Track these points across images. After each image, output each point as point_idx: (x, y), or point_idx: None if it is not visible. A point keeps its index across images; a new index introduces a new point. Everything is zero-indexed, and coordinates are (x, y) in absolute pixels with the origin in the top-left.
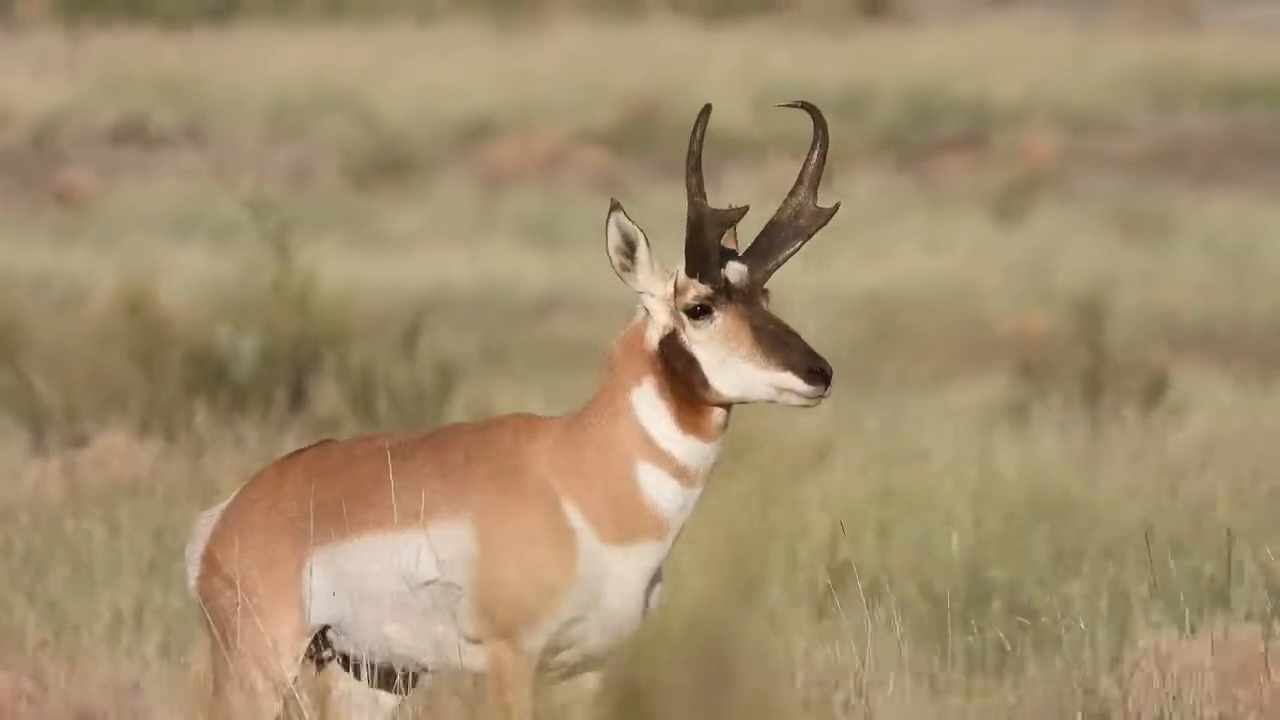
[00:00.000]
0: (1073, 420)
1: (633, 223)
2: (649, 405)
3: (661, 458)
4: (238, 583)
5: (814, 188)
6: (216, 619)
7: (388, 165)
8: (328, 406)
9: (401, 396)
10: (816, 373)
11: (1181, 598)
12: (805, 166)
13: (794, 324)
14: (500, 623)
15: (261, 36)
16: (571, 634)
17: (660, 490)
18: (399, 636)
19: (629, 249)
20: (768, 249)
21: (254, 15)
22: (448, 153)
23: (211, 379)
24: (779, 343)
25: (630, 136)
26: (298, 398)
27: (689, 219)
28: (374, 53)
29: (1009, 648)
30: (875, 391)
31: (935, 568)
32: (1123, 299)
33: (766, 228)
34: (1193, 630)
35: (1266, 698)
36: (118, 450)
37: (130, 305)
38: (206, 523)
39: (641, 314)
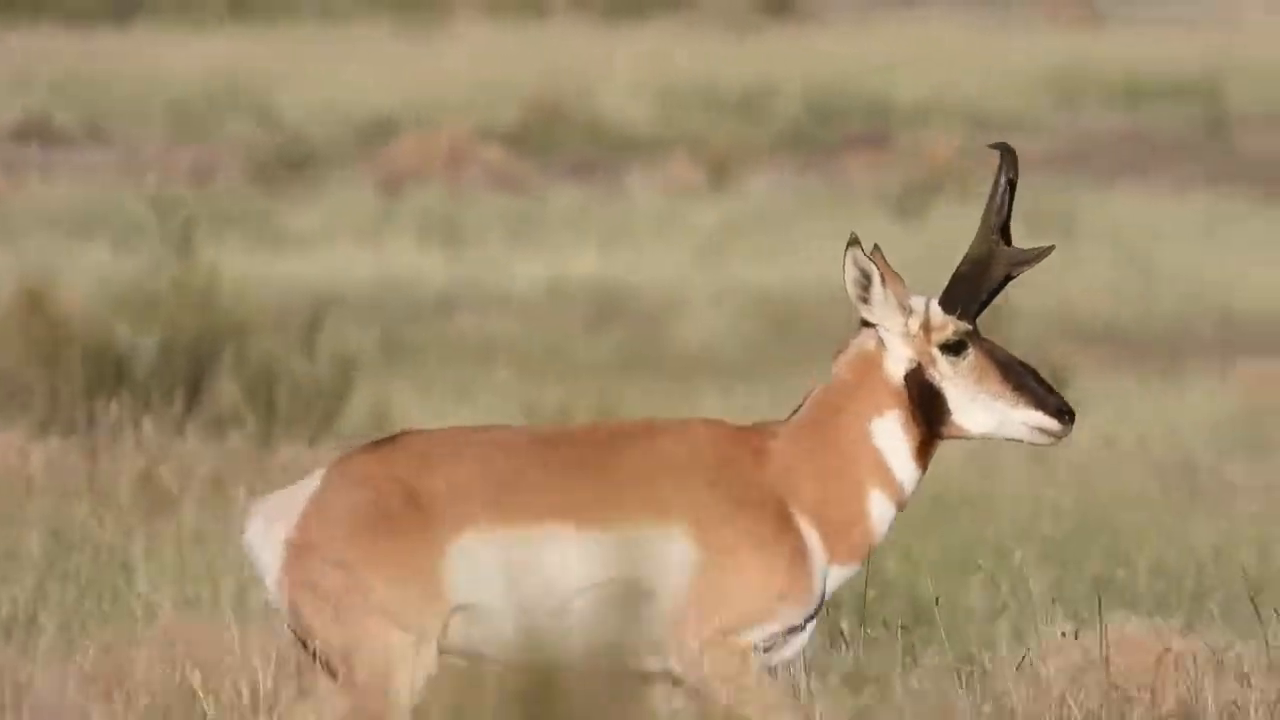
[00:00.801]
0: None
1: (869, 257)
2: (891, 436)
3: (892, 486)
4: (356, 568)
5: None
6: (321, 605)
7: (290, 164)
8: (228, 404)
9: (301, 393)
10: (1066, 411)
11: (1077, 595)
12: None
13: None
14: (715, 627)
15: (164, 35)
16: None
17: (883, 517)
18: (556, 631)
19: (866, 281)
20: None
21: (157, 14)
22: (349, 151)
23: (111, 377)
24: (1027, 381)
25: (532, 135)
26: (197, 395)
27: (976, 254)
28: (277, 52)
29: (904, 644)
30: (777, 390)
31: None
32: (1026, 297)
33: (958, 270)
34: (1082, 628)
35: (1158, 694)
36: (15, 447)
37: (30, 303)
38: (280, 508)
39: (872, 343)
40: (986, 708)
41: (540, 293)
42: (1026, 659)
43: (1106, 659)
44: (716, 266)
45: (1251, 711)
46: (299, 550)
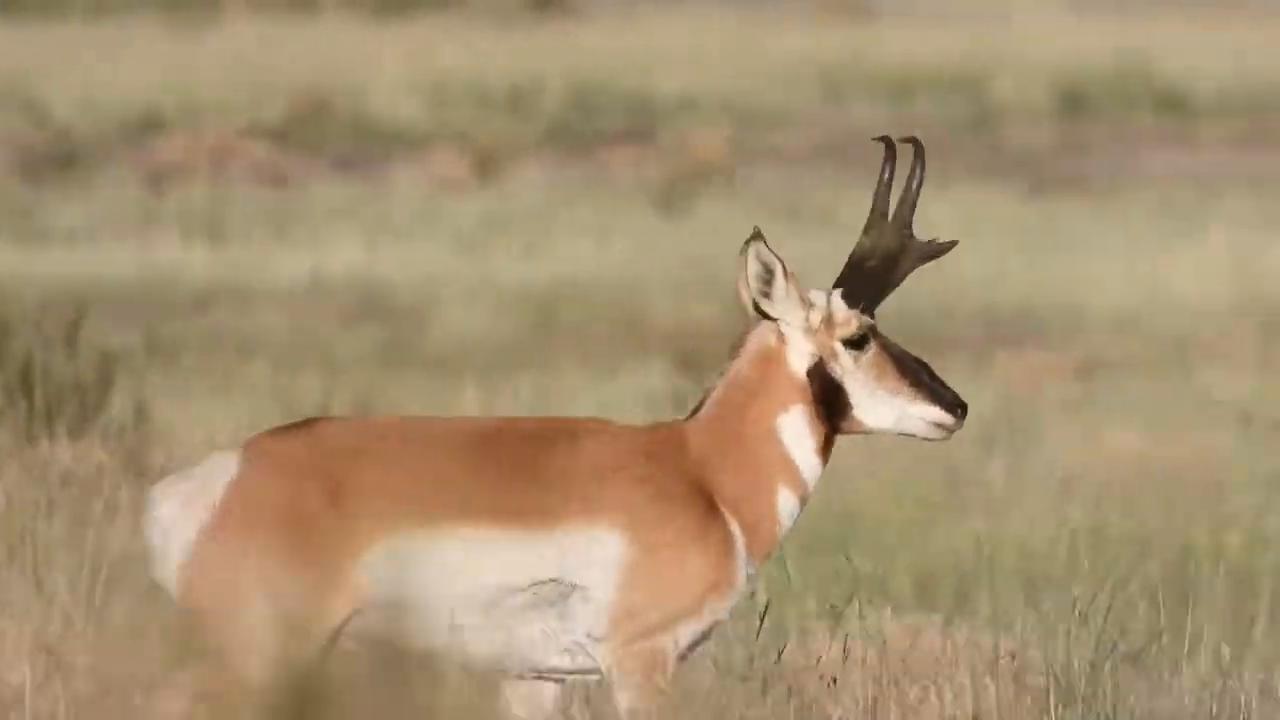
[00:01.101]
0: None
1: (772, 252)
2: (796, 432)
3: (798, 482)
4: (261, 561)
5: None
6: (224, 593)
7: (55, 158)
8: None
9: (62, 389)
10: (960, 405)
11: (837, 591)
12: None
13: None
14: (645, 625)
15: None
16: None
17: (790, 513)
18: (476, 631)
19: (769, 276)
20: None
21: None
22: (115, 147)
23: None
24: (923, 376)
25: (298, 131)
26: None
27: (886, 249)
28: (44, 46)
29: None
30: (538, 385)
31: None
32: None
33: (857, 262)
34: (840, 622)
35: (917, 688)
36: None
37: None
38: (197, 493)
39: (773, 338)
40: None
41: (302, 288)
42: (784, 651)
43: (864, 655)
44: (478, 261)
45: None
46: (216, 537)
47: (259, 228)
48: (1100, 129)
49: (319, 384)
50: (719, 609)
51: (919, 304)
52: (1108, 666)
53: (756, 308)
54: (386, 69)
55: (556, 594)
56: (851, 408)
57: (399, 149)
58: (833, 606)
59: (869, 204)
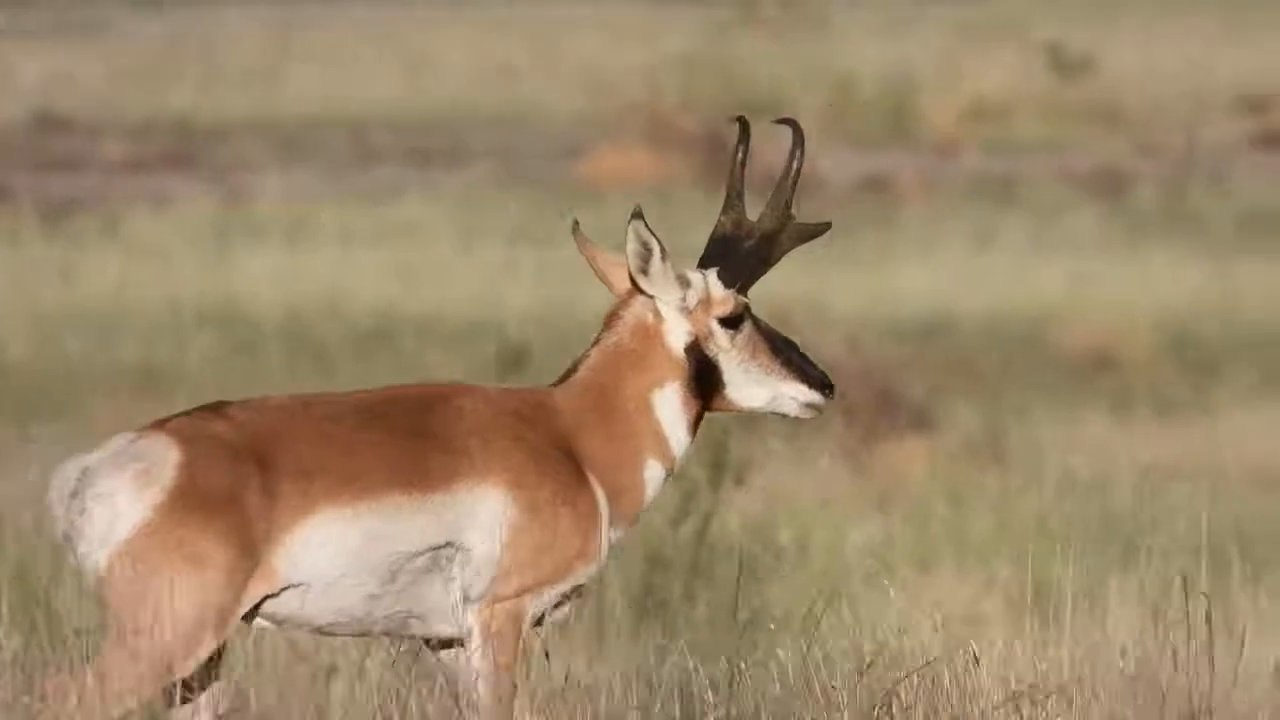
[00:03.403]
0: None
1: (650, 231)
2: (670, 408)
3: (667, 456)
4: (175, 542)
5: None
6: (153, 576)
7: None
8: None
9: None
10: (828, 385)
11: None
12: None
13: None
14: (518, 586)
15: None
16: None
17: (655, 485)
18: (380, 600)
19: (647, 254)
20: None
21: None
22: None
23: None
24: (794, 356)
25: None
26: None
27: (766, 228)
28: None
29: None
30: None
31: None
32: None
33: (728, 241)
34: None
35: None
36: None
37: None
38: (141, 473)
39: (649, 314)
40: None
41: None
42: None
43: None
44: None
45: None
46: (170, 518)
47: None
48: None
49: None
50: (581, 575)
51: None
52: None
53: (634, 284)
54: None
55: (449, 556)
56: (725, 386)
57: None
58: None
59: None
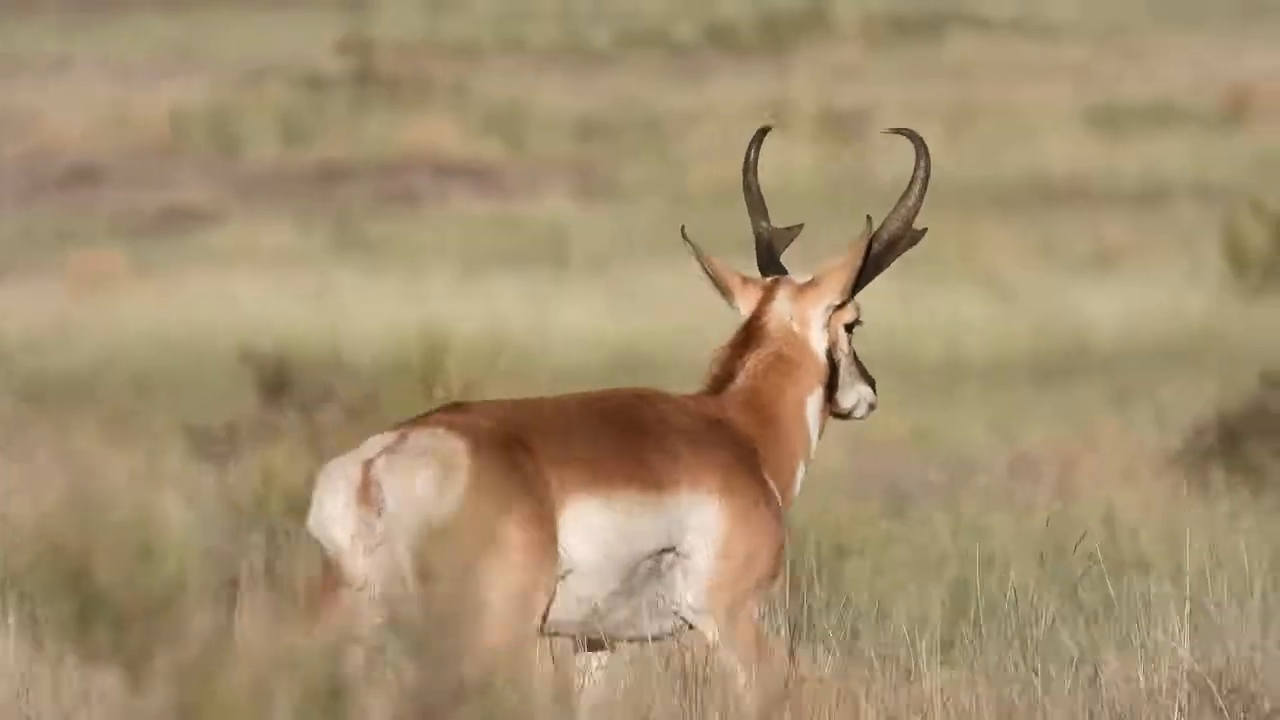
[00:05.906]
0: None
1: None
2: (816, 411)
3: (809, 458)
4: (482, 530)
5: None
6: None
7: None
8: None
9: None
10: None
11: None
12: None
13: None
14: (740, 591)
15: None
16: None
17: (799, 485)
18: (616, 598)
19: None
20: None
21: None
22: None
23: None
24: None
25: None
26: None
27: (891, 233)
28: None
29: None
30: None
31: None
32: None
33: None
34: None
35: None
36: None
37: None
38: (430, 471)
39: (794, 324)
40: None
41: None
42: None
43: None
44: None
45: None
46: (470, 508)
47: None
48: None
49: None
50: (780, 573)
51: None
52: None
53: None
54: None
55: (670, 563)
56: (835, 389)
57: None
58: None
59: None
